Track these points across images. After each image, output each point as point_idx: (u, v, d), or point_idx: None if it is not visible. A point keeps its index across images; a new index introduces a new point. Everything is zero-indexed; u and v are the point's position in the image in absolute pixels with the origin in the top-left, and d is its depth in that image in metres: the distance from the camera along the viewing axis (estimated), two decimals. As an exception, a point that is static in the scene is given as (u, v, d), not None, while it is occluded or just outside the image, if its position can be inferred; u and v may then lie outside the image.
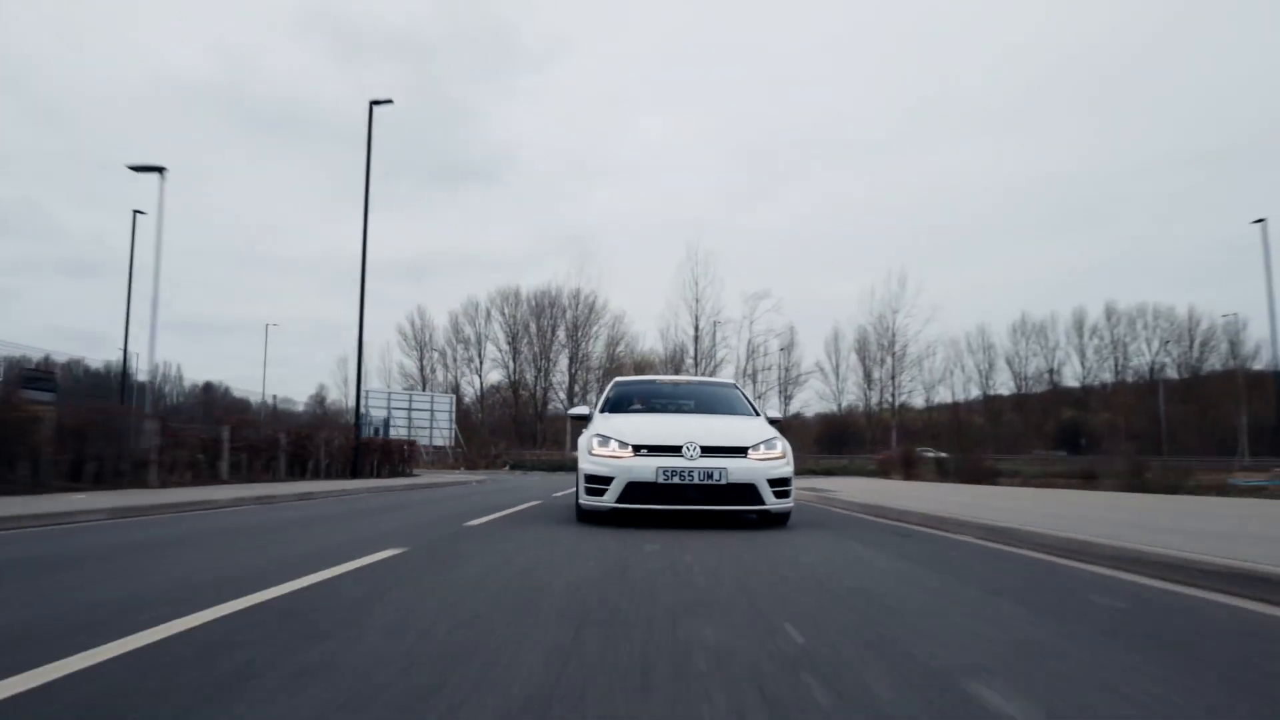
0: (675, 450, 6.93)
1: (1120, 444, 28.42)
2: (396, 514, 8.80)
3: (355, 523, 7.49)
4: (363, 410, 28.12)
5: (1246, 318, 56.03)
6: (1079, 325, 62.30)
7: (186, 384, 66.35)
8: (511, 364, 64.56)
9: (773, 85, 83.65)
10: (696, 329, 57.92)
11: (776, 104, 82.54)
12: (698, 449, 6.92)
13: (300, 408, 57.29)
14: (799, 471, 8.46)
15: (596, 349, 64.38)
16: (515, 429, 61.77)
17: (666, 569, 4.31)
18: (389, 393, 46.58)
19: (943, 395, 65.14)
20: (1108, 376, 62.19)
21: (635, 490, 6.86)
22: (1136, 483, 17.17)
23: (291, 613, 3.03)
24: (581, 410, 8.86)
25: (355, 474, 21.24)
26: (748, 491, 6.88)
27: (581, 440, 7.73)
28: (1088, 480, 20.39)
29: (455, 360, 65.14)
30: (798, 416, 62.02)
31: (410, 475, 25.18)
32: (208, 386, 67.29)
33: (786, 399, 61.63)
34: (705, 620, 2.95)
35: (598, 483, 7.02)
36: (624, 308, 77.57)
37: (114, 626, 2.70)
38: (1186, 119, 69.92)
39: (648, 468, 6.84)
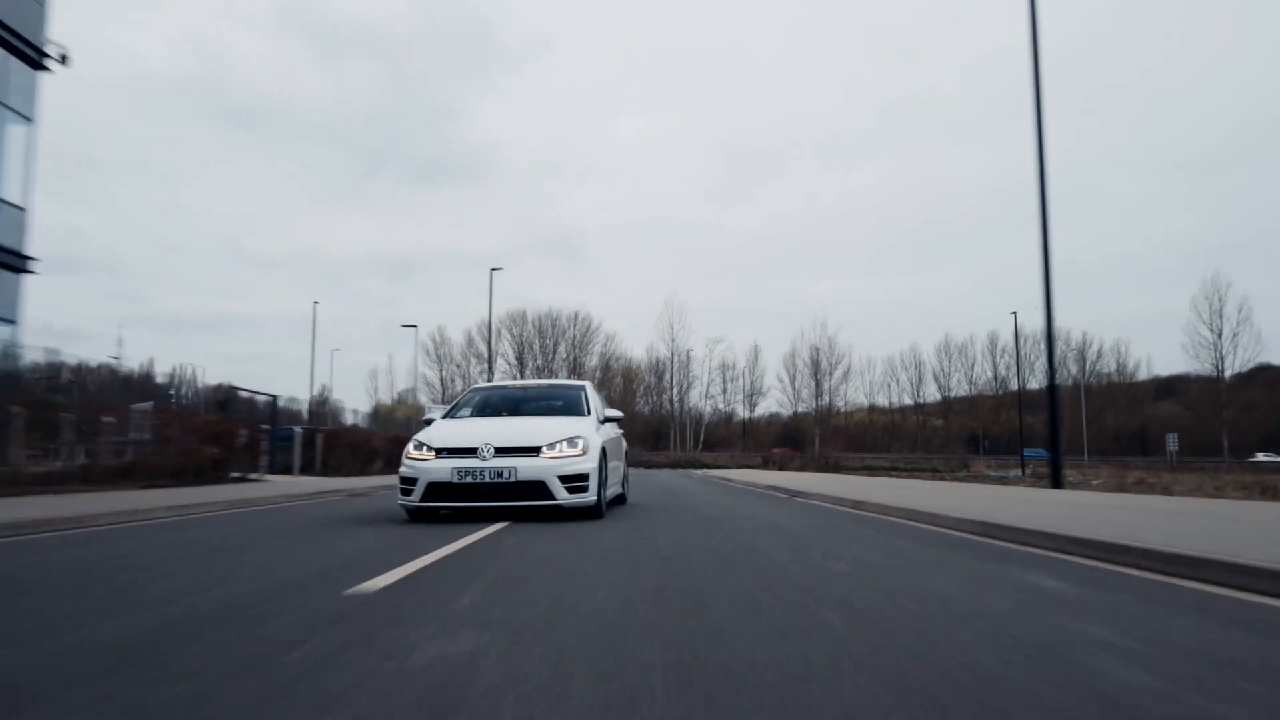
0: (471, 452, 7.20)
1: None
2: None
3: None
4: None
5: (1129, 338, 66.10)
6: (992, 345, 72.23)
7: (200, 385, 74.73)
8: (519, 375, 73.75)
9: (751, 85, 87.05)
10: (673, 356, 68.22)
11: (754, 104, 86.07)
12: (492, 450, 7.17)
13: (304, 408, 66.04)
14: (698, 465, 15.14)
15: (591, 361, 73.88)
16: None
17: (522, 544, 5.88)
18: (428, 404, 55.64)
19: (881, 401, 75.21)
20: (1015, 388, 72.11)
21: (435, 489, 7.12)
22: (936, 476, 26.57)
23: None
24: (433, 415, 8.89)
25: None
26: (537, 487, 7.12)
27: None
28: (914, 473, 29.84)
29: (470, 372, 74.26)
30: (759, 421, 71.77)
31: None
32: (219, 389, 75.62)
33: (752, 408, 71.74)
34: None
35: (406, 483, 7.28)
36: (615, 328, 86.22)
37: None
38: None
39: (445, 469, 7.10)
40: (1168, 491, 12.37)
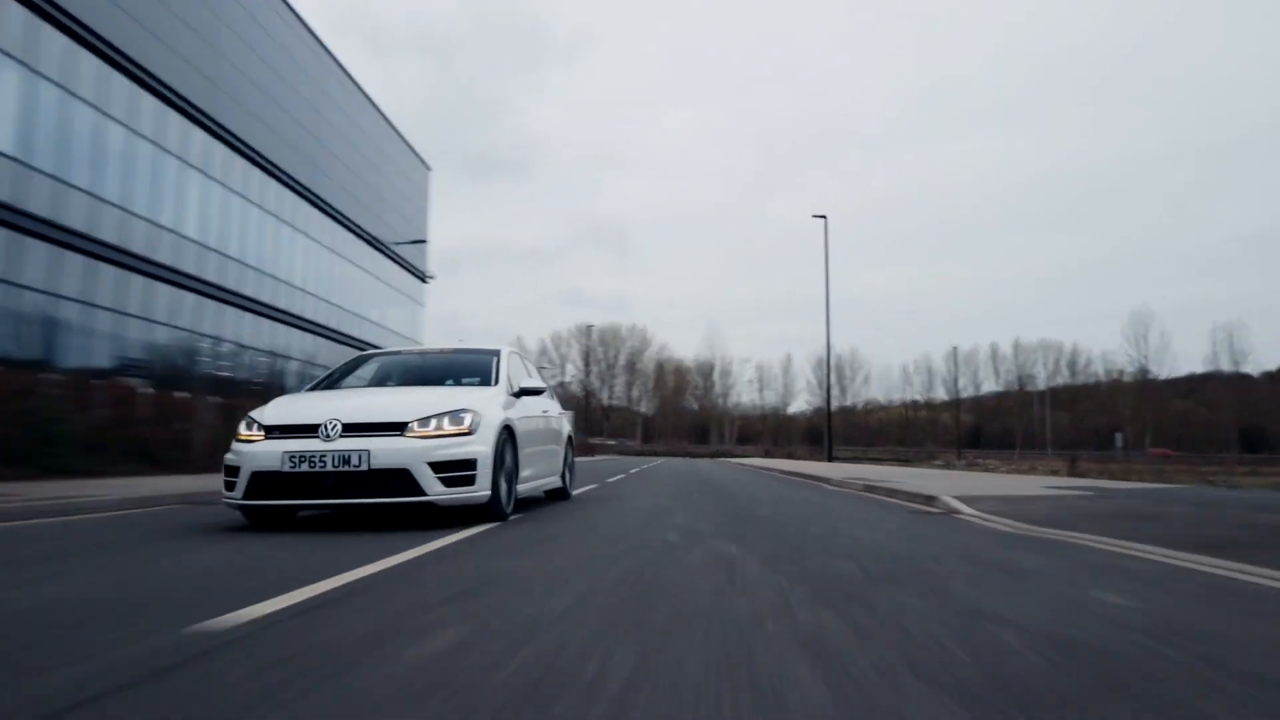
0: (311, 431, 4.97)
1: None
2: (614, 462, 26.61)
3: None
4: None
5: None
6: (993, 354, 79.39)
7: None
8: (585, 378, 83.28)
9: (795, 76, 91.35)
10: (715, 364, 77.70)
11: (798, 95, 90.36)
12: (339, 428, 4.93)
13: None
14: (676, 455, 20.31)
15: (648, 367, 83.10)
16: (586, 424, 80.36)
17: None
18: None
19: (899, 397, 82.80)
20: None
21: (263, 482, 4.90)
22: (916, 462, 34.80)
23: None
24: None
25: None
26: (398, 478, 4.86)
27: None
28: (907, 462, 38.04)
29: (544, 377, 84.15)
30: (789, 417, 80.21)
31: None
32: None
33: (784, 406, 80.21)
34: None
35: (229, 474, 5.08)
36: (664, 330, 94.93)
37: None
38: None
39: (274, 454, 4.87)
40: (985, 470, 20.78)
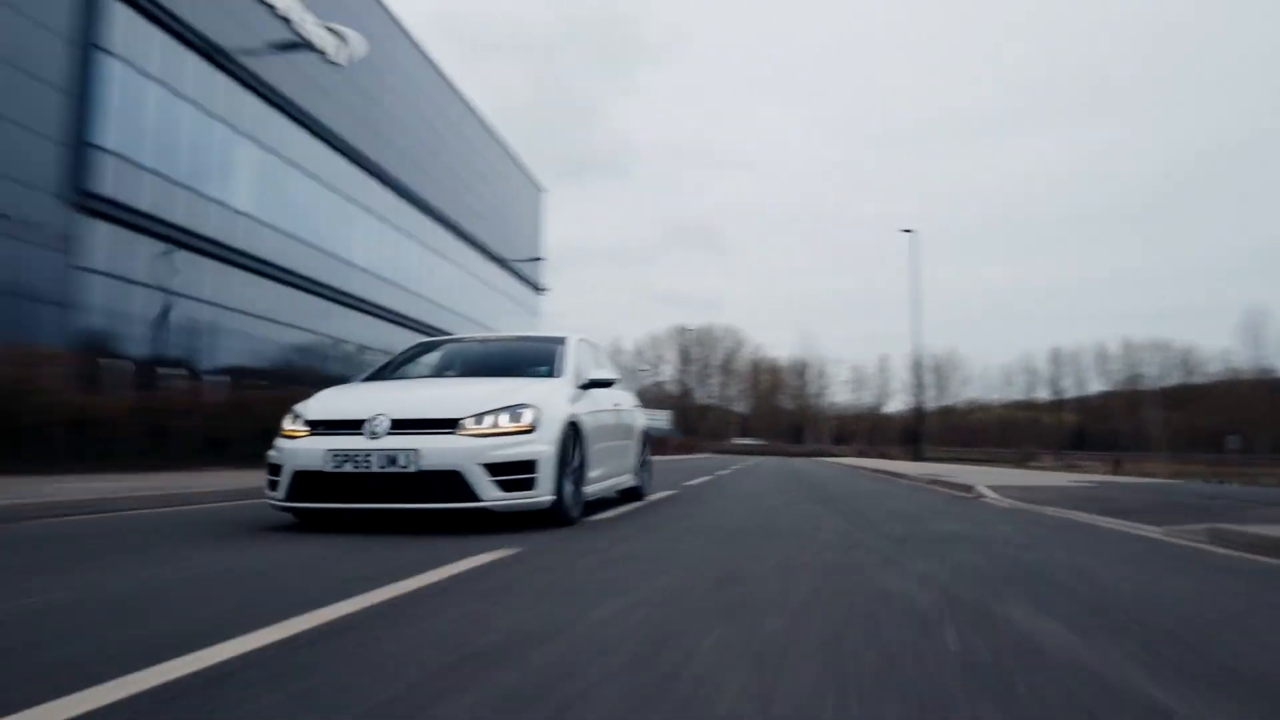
0: (356, 426, 4.53)
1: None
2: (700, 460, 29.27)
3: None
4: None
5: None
6: (1100, 353, 77.74)
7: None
8: (682, 378, 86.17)
9: (892, 68, 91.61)
10: (808, 365, 79.20)
11: (895, 87, 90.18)
12: (387, 423, 4.49)
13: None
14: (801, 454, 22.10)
15: (743, 368, 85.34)
16: (684, 423, 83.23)
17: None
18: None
19: (998, 398, 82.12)
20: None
21: (305, 482, 4.50)
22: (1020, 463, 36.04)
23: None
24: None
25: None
26: (450, 481, 4.36)
27: None
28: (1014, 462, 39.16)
29: (639, 376, 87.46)
30: (885, 417, 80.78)
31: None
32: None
33: (880, 406, 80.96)
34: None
35: (272, 472, 4.68)
36: (763, 340, 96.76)
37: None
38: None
39: (316, 452, 4.47)
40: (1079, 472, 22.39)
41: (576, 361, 5.84)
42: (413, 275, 27.60)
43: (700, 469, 18.45)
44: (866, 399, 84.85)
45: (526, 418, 4.64)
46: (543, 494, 4.59)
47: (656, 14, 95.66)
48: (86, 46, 14.15)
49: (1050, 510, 6.89)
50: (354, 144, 23.04)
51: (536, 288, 40.98)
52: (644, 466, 7.44)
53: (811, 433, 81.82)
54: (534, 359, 5.92)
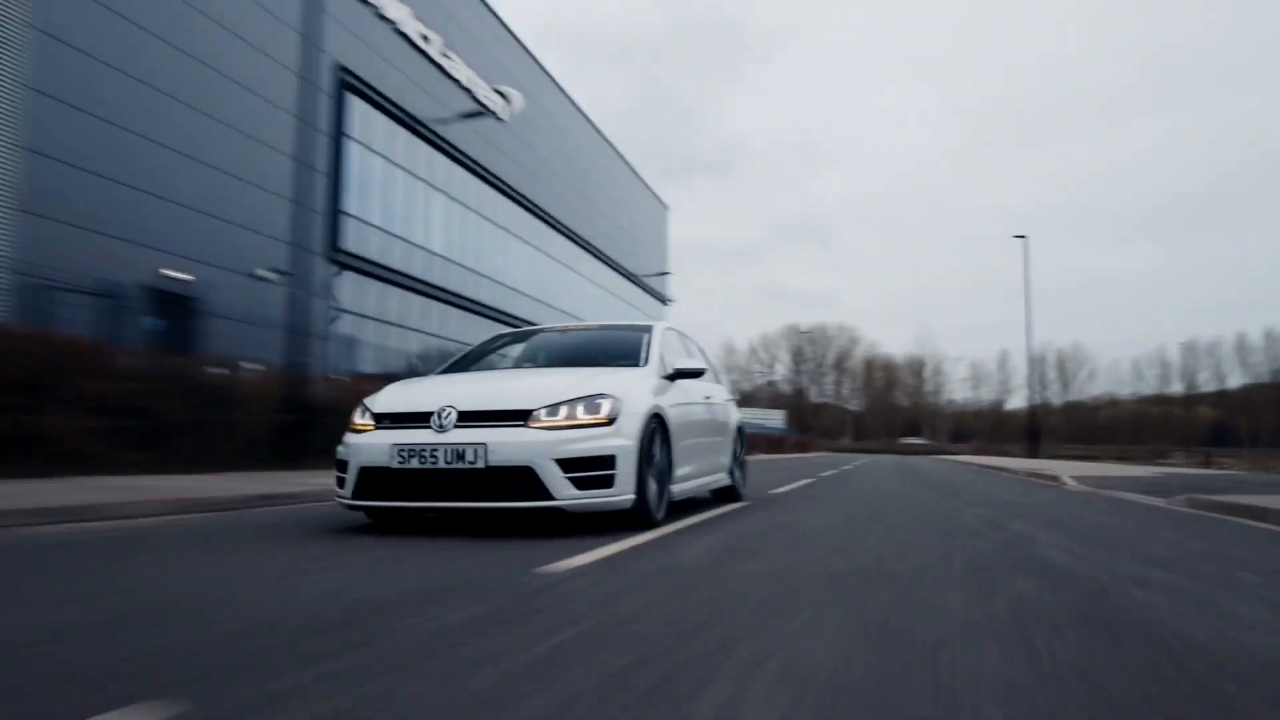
0: (424, 419, 4.28)
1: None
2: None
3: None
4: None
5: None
6: (1240, 345, 74.34)
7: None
8: (795, 377, 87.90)
9: (1004, 50, 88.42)
10: (925, 362, 79.24)
11: (1008, 70, 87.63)
12: (454, 415, 4.22)
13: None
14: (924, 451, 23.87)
15: (856, 365, 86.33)
16: (798, 422, 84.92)
17: None
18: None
19: (1130, 393, 79.69)
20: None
21: (371, 479, 4.27)
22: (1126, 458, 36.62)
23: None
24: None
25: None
26: (520, 478, 4.04)
27: None
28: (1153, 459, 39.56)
29: (753, 376, 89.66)
30: (1006, 413, 79.95)
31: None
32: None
33: (1001, 403, 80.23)
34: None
35: (340, 469, 4.45)
36: (876, 337, 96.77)
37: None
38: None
39: (382, 447, 4.23)
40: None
41: (662, 350, 5.48)
42: (559, 294, 31.31)
43: (825, 464, 20.99)
44: (986, 395, 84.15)
45: (605, 409, 4.30)
46: (622, 493, 4.25)
47: (761, 13, 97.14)
48: (338, 136, 18.27)
49: (1105, 491, 9.33)
50: (514, 185, 26.87)
51: (663, 300, 44.27)
52: (739, 464, 7.04)
53: (928, 430, 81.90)
54: (617, 348, 5.58)
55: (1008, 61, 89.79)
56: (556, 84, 31.05)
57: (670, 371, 5.33)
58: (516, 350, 6.15)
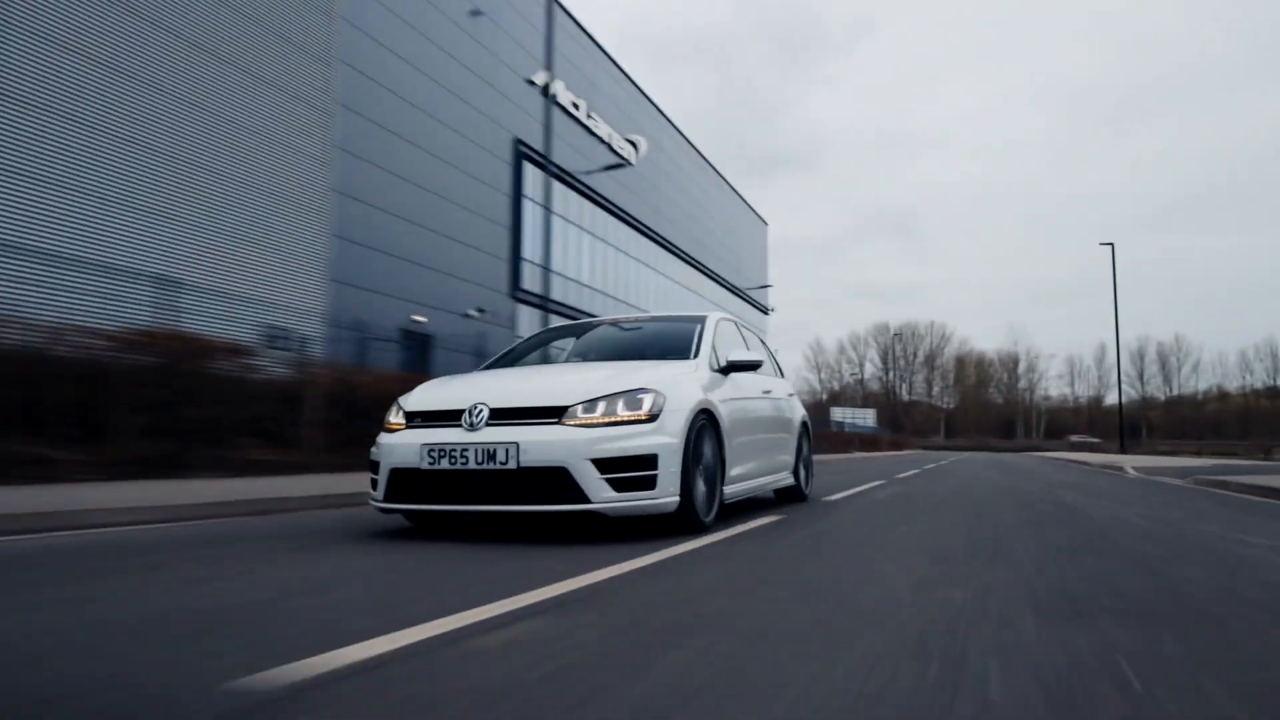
0: (454, 417, 4.10)
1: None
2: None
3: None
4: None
5: None
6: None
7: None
8: (885, 376, 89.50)
9: (1094, 30, 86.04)
10: (1018, 361, 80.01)
11: (1099, 51, 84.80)
12: (485, 413, 4.01)
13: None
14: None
15: (947, 362, 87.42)
16: (890, 420, 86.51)
17: None
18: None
19: (1238, 386, 78.31)
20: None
21: (402, 481, 4.10)
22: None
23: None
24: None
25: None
26: (554, 480, 3.81)
27: None
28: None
29: (842, 375, 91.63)
30: (1103, 410, 79.73)
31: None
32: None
33: (1099, 400, 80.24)
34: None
35: (373, 470, 4.30)
36: (967, 333, 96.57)
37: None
38: None
39: (412, 447, 4.05)
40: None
41: (714, 342, 5.20)
42: (679, 312, 35.26)
43: (923, 460, 24.03)
44: (1083, 391, 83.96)
45: (646, 405, 4.02)
46: (665, 495, 3.97)
47: (839, 5, 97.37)
48: (518, 197, 22.60)
49: (1153, 478, 12.41)
50: (641, 219, 30.88)
51: (764, 310, 47.67)
52: (803, 464, 6.72)
53: (1022, 427, 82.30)
54: (668, 341, 5.32)
55: (1101, 42, 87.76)
56: (673, 124, 34.95)
57: (723, 364, 5.08)
58: (565, 345, 6.00)
